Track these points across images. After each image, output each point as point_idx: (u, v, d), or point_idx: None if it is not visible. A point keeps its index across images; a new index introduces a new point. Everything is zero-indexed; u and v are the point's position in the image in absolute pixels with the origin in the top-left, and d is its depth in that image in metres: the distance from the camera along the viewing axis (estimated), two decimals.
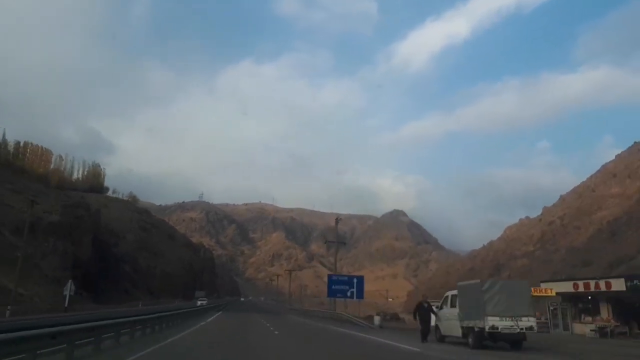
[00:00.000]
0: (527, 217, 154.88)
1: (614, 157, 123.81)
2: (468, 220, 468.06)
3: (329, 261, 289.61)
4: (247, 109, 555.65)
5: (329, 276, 44.79)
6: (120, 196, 78.76)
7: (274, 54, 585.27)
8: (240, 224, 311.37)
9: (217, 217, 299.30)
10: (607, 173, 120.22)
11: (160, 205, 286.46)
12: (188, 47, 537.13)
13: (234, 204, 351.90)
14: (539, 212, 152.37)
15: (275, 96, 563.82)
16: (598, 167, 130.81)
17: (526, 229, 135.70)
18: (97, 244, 34.57)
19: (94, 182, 72.26)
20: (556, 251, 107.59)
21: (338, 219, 52.19)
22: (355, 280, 43.02)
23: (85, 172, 72.52)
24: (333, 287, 41.97)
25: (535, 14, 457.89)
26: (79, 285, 29.24)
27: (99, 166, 77.02)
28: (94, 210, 41.15)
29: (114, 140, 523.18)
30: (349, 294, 41.72)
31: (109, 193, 77.92)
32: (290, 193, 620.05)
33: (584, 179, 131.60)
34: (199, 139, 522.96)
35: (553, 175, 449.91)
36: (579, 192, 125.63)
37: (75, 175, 70.16)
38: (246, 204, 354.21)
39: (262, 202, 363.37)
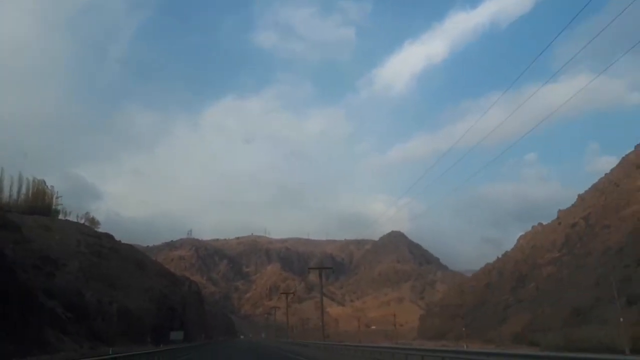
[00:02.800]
0: (540, 224, 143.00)
1: (633, 148, 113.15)
2: (463, 238, 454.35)
3: (329, 290, 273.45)
4: (232, 144, 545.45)
5: None
6: (77, 219, 64.94)
7: (256, 87, 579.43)
8: (233, 259, 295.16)
9: (207, 252, 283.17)
10: (629, 165, 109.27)
11: (147, 246, 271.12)
12: (170, 87, 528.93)
13: (225, 239, 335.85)
14: (551, 218, 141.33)
15: (261, 129, 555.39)
16: (617, 161, 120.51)
17: (545, 235, 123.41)
18: None
19: (38, 204, 58.50)
20: (588, 254, 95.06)
21: None
22: None
23: (24, 191, 59.11)
24: None
25: (511, 29, 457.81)
26: None
27: (44, 183, 63.38)
28: None
29: (100, 185, 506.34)
30: None
31: (61, 216, 64.06)
32: (282, 224, 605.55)
33: (602, 175, 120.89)
34: (186, 178, 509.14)
35: (544, 187, 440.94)
36: (600, 189, 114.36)
37: (8, 194, 57.04)
38: (238, 238, 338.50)
39: (255, 234, 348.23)
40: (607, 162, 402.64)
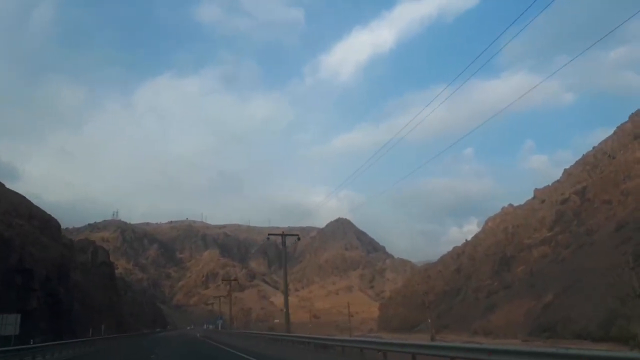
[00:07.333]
0: (510, 205, 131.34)
1: (627, 119, 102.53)
2: (402, 230, 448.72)
3: (272, 279, 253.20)
4: (168, 126, 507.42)
5: None
6: None
7: (196, 65, 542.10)
8: (164, 244, 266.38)
9: (135, 236, 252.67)
10: (625, 136, 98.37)
11: (66, 228, 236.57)
12: (100, 60, 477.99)
13: (156, 223, 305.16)
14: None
15: (199, 111, 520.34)
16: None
17: (526, 215, 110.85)
18: None
19: None
20: (591, 231, 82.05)
21: None
22: None
23: None
24: None
25: (458, 22, 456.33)
26: None
27: None
28: None
29: (18, 164, 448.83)
30: None
31: None
32: (221, 211, 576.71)
33: (590, 149, 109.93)
34: (117, 159, 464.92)
35: (478, 182, 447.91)
36: (590, 163, 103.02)
37: None
38: (171, 222, 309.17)
39: (190, 219, 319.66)
40: (538, 160, 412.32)
